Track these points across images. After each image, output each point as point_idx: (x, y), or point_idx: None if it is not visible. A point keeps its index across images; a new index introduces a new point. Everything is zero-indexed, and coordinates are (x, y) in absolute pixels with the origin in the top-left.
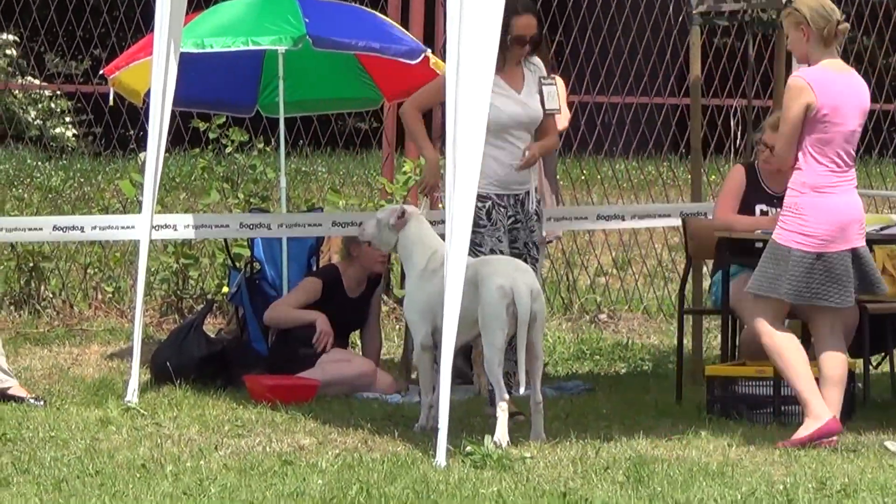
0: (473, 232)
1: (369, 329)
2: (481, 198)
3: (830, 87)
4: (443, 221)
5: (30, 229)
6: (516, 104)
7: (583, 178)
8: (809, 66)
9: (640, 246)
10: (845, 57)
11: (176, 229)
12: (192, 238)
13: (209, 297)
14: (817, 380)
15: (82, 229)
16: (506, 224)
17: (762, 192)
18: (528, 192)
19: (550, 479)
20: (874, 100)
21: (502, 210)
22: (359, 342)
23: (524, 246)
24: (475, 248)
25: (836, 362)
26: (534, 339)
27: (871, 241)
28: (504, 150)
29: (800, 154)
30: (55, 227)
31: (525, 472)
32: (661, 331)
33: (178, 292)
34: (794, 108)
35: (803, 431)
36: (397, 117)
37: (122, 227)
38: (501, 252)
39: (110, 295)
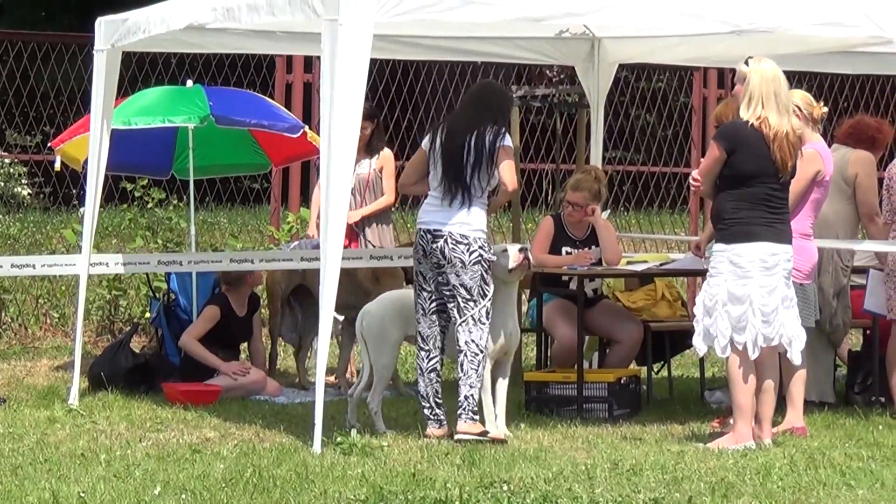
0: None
1: (254, 342)
2: None
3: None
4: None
5: None
6: None
7: None
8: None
9: None
10: (631, 131)
11: (108, 266)
12: (121, 273)
13: (135, 321)
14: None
15: (34, 266)
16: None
17: (566, 237)
18: None
19: (403, 462)
20: (654, 164)
21: None
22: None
23: None
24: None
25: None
26: None
27: (654, 275)
28: None
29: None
30: (13, 265)
31: (383, 458)
32: None
33: (110, 317)
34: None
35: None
36: (283, 178)
37: (66, 265)
38: None
39: (57, 320)
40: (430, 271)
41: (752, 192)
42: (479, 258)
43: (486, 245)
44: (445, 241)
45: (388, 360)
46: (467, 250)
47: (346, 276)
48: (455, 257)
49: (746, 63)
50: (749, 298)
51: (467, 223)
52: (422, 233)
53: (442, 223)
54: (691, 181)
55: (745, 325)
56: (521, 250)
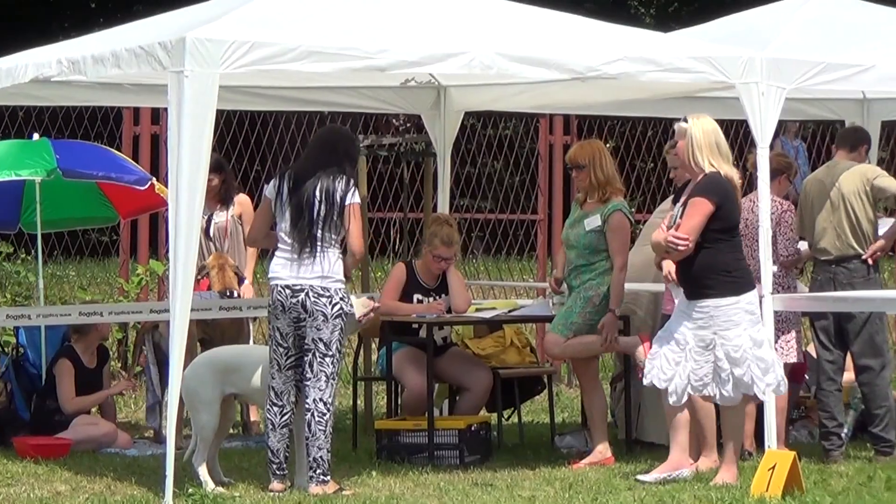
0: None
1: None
2: None
3: None
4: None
5: None
6: None
7: None
8: None
9: None
10: (478, 178)
11: None
12: None
13: None
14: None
15: None
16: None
17: (418, 285)
18: None
19: None
20: (502, 211)
21: None
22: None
23: None
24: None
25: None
26: None
27: (502, 321)
28: None
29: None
30: None
31: None
32: (340, 394)
33: None
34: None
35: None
36: (131, 231)
37: None
38: None
39: None
40: (287, 327)
41: (738, 243)
42: (341, 311)
43: (346, 297)
44: (307, 294)
45: (206, 419)
46: (329, 303)
47: None
48: (317, 310)
49: (686, 120)
50: (766, 340)
51: (327, 276)
52: (279, 288)
53: (301, 277)
54: (676, 242)
55: (770, 364)
56: (369, 297)
